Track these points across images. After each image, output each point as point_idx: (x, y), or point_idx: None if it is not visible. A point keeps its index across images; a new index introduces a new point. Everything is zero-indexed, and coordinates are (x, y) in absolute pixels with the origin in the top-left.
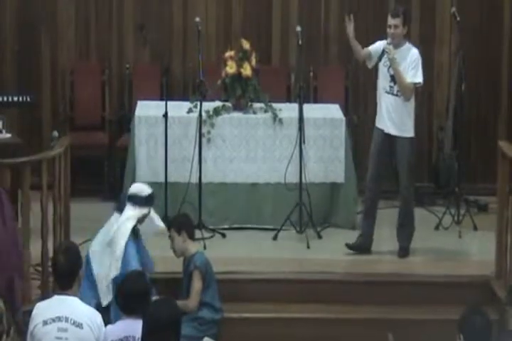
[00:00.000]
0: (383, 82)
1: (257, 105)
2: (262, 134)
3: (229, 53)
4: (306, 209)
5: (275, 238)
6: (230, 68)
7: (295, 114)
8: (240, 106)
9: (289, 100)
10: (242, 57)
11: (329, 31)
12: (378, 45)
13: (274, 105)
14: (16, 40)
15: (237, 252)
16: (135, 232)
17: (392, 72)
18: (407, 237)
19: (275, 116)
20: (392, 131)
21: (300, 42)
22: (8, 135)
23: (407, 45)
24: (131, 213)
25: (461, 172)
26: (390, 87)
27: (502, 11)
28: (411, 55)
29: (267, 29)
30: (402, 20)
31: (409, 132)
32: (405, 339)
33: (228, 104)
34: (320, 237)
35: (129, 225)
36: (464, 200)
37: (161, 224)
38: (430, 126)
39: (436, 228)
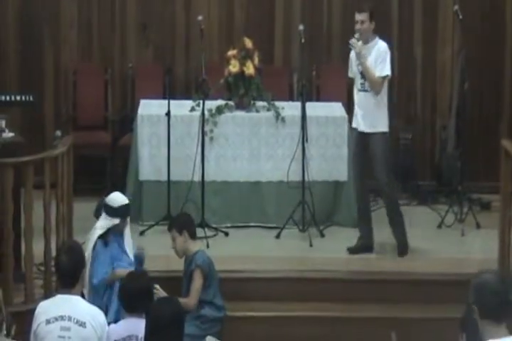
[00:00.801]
0: (355, 80)
1: (259, 104)
2: (265, 133)
3: (232, 52)
4: (309, 207)
5: (278, 236)
6: (233, 67)
7: (298, 112)
8: (242, 105)
9: (291, 99)
10: (245, 56)
11: (332, 30)
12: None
13: (277, 104)
14: (18, 40)
15: (239, 251)
16: (105, 241)
17: (361, 69)
18: (401, 232)
19: (278, 115)
20: (365, 128)
21: (303, 40)
22: (11, 134)
23: (376, 40)
24: (101, 223)
25: (463, 171)
26: (361, 84)
27: (504, 9)
28: (377, 49)
29: (270, 28)
30: (368, 16)
31: (382, 127)
32: (408, 337)
33: (231, 102)
34: (323, 236)
35: (96, 234)
36: (466, 198)
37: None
38: (433, 124)
39: (439, 226)
